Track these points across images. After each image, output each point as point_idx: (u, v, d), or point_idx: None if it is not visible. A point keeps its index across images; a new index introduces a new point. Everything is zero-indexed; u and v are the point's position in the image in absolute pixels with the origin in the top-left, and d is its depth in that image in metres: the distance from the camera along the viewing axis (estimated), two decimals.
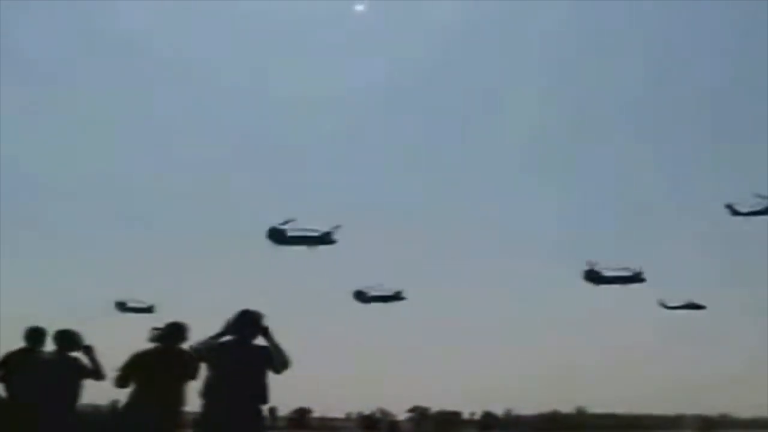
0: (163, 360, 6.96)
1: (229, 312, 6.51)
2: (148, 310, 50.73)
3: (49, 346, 8.46)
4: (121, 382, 6.98)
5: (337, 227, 46.11)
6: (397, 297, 51.76)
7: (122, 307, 51.77)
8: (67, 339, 8.21)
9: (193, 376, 6.62)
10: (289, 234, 45.93)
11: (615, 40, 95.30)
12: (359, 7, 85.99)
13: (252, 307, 6.55)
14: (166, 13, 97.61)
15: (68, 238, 79.00)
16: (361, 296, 51.43)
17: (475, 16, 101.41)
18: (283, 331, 6.45)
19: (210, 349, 6.47)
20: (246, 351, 6.41)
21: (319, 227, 45.88)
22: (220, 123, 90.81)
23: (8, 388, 8.49)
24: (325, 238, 46.09)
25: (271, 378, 6.43)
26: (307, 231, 46.01)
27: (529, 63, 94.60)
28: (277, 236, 45.80)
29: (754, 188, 43.79)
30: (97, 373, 8.02)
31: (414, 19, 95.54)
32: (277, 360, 6.38)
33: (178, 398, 6.96)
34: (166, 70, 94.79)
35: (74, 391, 8.07)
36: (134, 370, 6.97)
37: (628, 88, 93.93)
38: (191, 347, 6.75)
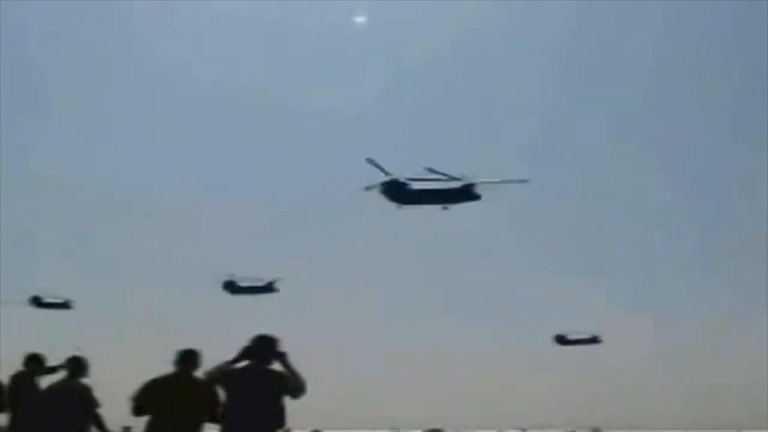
0: (180, 387, 6.89)
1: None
2: (65, 305, 50.51)
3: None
4: (137, 410, 6.90)
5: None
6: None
7: (38, 302, 50.72)
8: (78, 366, 8.18)
9: (212, 404, 6.56)
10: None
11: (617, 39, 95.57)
12: (360, 19, 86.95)
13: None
14: (170, 27, 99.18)
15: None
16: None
17: (474, 26, 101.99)
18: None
19: (226, 375, 6.47)
20: (262, 376, 6.41)
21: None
22: (221, 131, 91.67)
23: (12, 418, 8.42)
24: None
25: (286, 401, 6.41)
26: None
27: (529, 72, 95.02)
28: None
29: None
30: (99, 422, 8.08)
31: (413, 30, 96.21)
32: (294, 385, 6.39)
33: (196, 425, 6.87)
34: (171, 79, 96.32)
35: (82, 421, 8.02)
36: (150, 397, 6.90)
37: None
38: (206, 373, 6.71)
